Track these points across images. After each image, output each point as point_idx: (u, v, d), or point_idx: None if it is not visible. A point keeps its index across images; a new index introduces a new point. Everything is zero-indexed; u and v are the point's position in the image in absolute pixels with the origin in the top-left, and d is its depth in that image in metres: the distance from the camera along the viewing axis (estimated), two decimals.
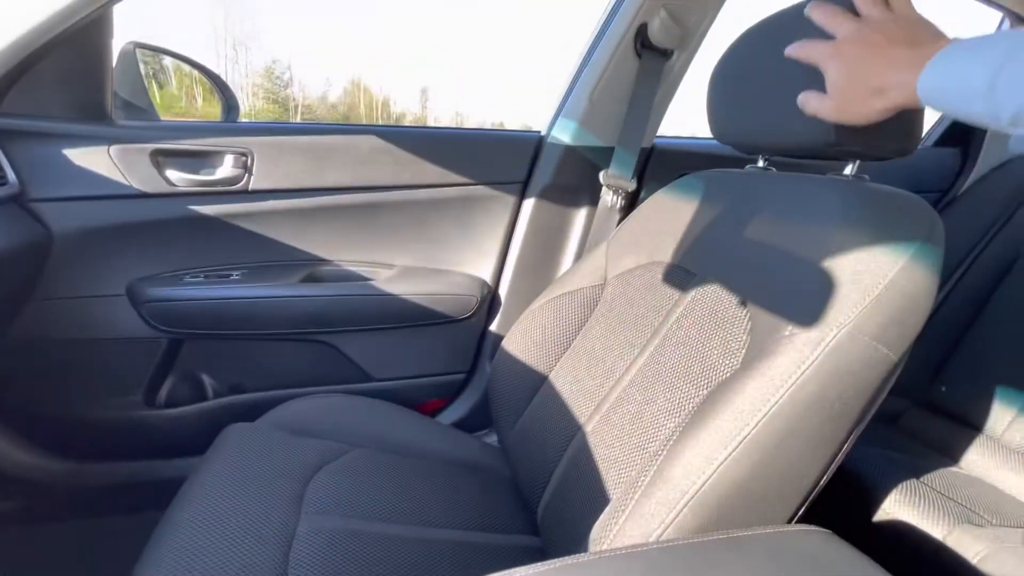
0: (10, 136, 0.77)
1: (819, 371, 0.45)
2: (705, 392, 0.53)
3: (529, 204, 1.03)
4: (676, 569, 0.35)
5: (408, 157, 0.96)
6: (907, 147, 0.52)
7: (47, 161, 0.80)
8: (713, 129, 0.69)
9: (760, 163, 0.72)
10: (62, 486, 0.91)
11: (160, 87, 1.06)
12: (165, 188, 0.85)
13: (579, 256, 1.09)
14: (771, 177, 0.67)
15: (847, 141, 0.51)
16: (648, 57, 0.98)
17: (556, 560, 0.36)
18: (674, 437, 0.51)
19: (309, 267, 0.98)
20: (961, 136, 1.28)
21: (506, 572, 0.34)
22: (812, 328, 0.46)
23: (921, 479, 0.80)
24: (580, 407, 0.68)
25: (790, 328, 0.48)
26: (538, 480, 0.69)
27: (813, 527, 0.42)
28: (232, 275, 0.92)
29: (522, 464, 0.76)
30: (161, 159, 0.85)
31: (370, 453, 0.78)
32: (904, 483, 0.78)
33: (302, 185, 0.92)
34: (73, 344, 0.88)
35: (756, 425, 0.45)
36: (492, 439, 0.99)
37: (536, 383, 0.78)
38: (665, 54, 0.99)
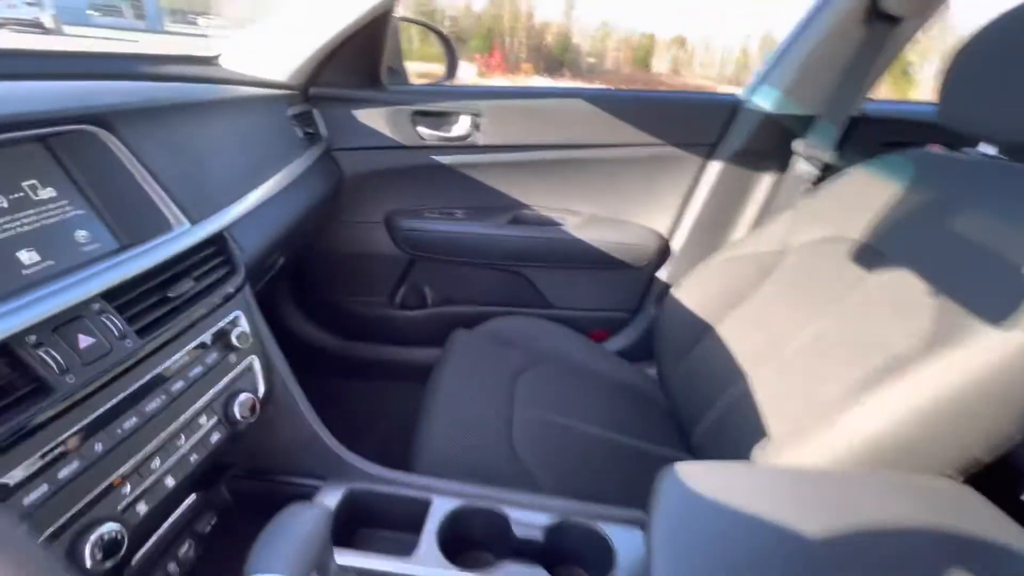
0: (323, 101, 1.06)
1: (1005, 368, 0.47)
2: (878, 366, 0.57)
3: (715, 167, 1.09)
4: (828, 486, 0.48)
5: (608, 118, 1.08)
6: None
7: (342, 120, 1.08)
8: (943, 106, 0.66)
9: (990, 150, 0.68)
10: (334, 355, 1.29)
11: None
12: (417, 141, 1.09)
13: (756, 222, 1.13)
14: (1002, 168, 0.64)
15: None
16: (876, 25, 0.94)
17: (737, 463, 0.51)
18: (841, 398, 0.57)
19: (514, 210, 1.18)
20: None
21: (712, 463, 0.49)
22: (1007, 329, 0.48)
23: None
24: (745, 359, 0.77)
25: (982, 325, 0.50)
26: (697, 411, 0.81)
27: (958, 484, 0.49)
28: (456, 213, 1.16)
29: (683, 396, 0.88)
30: (417, 118, 1.09)
31: (556, 366, 0.97)
32: None
33: (517, 142, 1.10)
34: (347, 256, 1.20)
35: (928, 400, 0.50)
36: (649, 371, 1.13)
37: (702, 330, 0.86)
38: (894, 21, 0.94)
